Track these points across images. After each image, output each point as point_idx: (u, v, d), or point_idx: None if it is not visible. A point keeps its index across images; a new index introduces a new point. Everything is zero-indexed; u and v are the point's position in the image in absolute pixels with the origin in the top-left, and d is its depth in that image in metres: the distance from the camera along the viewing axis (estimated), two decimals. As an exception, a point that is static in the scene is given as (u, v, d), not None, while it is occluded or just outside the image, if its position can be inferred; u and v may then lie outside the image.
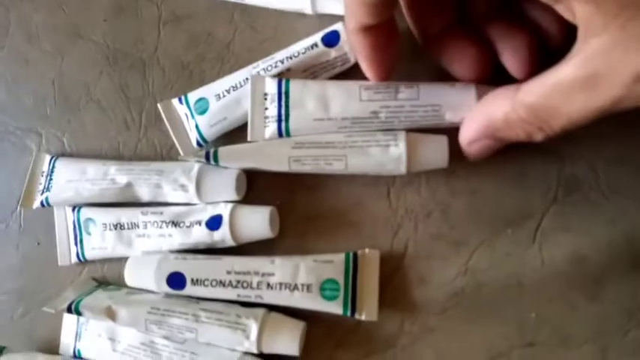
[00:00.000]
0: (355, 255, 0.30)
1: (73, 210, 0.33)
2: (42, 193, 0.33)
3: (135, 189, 0.32)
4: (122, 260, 0.32)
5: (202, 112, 0.31)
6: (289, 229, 0.31)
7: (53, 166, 0.34)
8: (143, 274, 0.31)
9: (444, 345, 0.29)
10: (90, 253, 0.33)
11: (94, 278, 0.34)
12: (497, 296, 0.29)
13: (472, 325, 0.29)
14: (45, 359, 0.32)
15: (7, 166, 0.36)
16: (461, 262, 0.30)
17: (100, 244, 0.33)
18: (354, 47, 0.27)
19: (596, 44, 0.19)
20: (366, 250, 0.30)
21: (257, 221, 0.30)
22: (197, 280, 0.30)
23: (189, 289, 0.30)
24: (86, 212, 0.33)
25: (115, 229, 0.32)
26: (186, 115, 0.32)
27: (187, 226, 0.30)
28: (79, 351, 0.33)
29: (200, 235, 0.30)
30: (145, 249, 0.31)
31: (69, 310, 0.31)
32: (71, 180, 0.33)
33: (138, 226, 0.31)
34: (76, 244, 0.34)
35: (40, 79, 0.36)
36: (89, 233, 0.33)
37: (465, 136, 0.26)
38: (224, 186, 0.30)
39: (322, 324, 0.30)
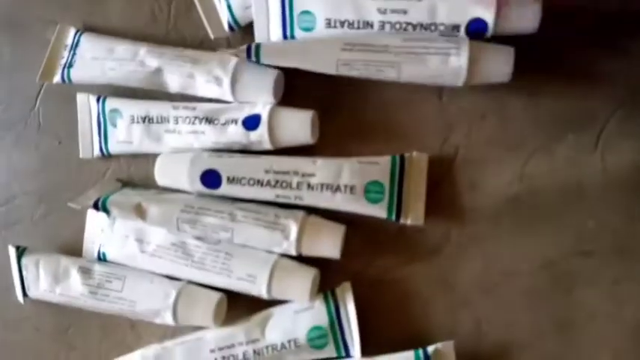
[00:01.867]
0: (402, 157, 0.28)
1: (98, 100, 0.32)
2: (64, 68, 0.31)
3: (164, 75, 0.30)
4: (150, 159, 0.31)
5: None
6: (331, 134, 0.30)
7: (78, 41, 0.32)
8: (175, 172, 0.29)
9: (492, 253, 0.29)
10: (115, 147, 0.32)
11: (119, 179, 0.33)
12: (554, 203, 0.28)
13: (525, 233, 0.28)
14: (67, 262, 0.32)
15: (26, 60, 0.34)
16: (516, 167, 0.28)
17: (126, 137, 0.31)
18: None
19: None
20: (414, 153, 0.29)
21: (297, 124, 0.28)
22: (233, 178, 0.28)
23: (225, 188, 0.28)
24: (112, 102, 0.31)
25: (143, 122, 0.30)
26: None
27: (222, 124, 0.29)
28: (104, 254, 0.32)
29: (235, 133, 0.29)
30: (175, 145, 0.30)
31: (95, 206, 0.30)
32: (97, 57, 0.31)
33: (168, 121, 0.30)
34: (99, 135, 0.32)
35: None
36: (115, 125, 0.31)
37: None
38: (261, 86, 0.29)
39: (363, 229, 0.29)
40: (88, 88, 0.32)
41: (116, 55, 0.30)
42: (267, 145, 0.29)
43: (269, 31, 0.29)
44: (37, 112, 0.34)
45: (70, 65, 0.31)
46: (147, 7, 0.32)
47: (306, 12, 0.27)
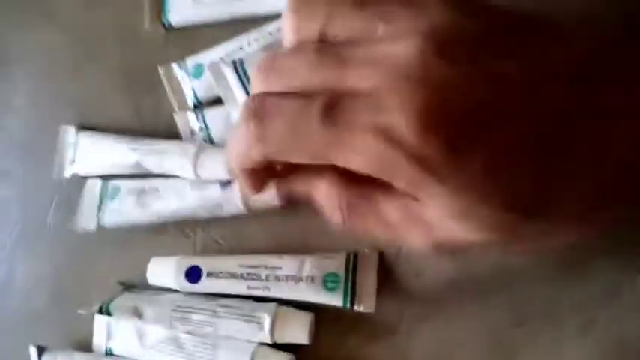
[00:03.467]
0: (356, 254, 0.34)
1: (102, 180, 0.39)
2: (71, 164, 0.39)
3: (144, 165, 0.37)
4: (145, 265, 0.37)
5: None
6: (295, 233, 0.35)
7: (78, 139, 0.40)
8: (164, 270, 0.36)
9: (442, 329, 0.33)
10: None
11: (120, 282, 0.38)
12: (488, 280, 0.33)
13: (467, 309, 0.33)
14: (81, 357, 0.37)
15: (37, 182, 0.40)
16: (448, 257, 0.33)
17: (118, 207, 0.38)
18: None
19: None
20: (366, 250, 0.34)
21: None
22: (212, 272, 0.34)
23: (205, 282, 0.34)
24: (113, 182, 0.38)
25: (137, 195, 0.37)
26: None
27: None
28: (110, 349, 0.37)
29: (214, 192, 0.35)
30: (160, 212, 0.37)
31: (100, 311, 0.35)
32: (93, 152, 0.39)
33: (158, 190, 0.37)
34: (98, 210, 0.38)
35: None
36: (112, 199, 0.38)
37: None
38: (219, 165, 0.35)
39: (329, 315, 0.34)
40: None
41: (106, 150, 0.38)
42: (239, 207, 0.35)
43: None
44: (49, 226, 0.40)
45: (74, 161, 0.39)
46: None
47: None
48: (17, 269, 0.40)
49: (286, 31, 0.23)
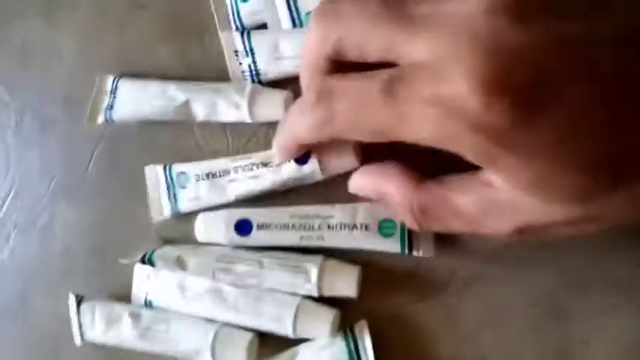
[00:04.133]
0: None
1: (164, 168, 0.37)
2: (106, 110, 0.38)
3: (192, 107, 0.36)
4: (189, 220, 0.36)
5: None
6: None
7: (117, 86, 0.38)
8: (213, 225, 0.35)
9: (494, 290, 0.32)
10: (185, 205, 0.36)
11: (161, 237, 0.38)
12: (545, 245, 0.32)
13: (522, 270, 0.32)
14: (120, 307, 0.37)
15: (78, 131, 0.40)
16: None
17: (193, 194, 0.36)
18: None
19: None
20: None
21: (342, 152, 0.32)
22: (263, 224, 0.33)
23: (256, 234, 0.33)
24: (177, 167, 0.37)
25: (207, 178, 0.36)
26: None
27: (277, 165, 0.34)
28: (150, 301, 0.37)
29: (290, 171, 0.33)
30: (239, 193, 0.35)
31: (142, 261, 0.35)
32: (133, 97, 0.37)
33: (229, 173, 0.35)
34: (169, 198, 0.37)
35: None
36: (184, 187, 0.36)
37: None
38: (273, 105, 0.34)
39: (377, 270, 0.34)
40: (130, 130, 0.38)
41: (149, 93, 0.37)
42: (319, 176, 0.33)
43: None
44: (90, 176, 0.40)
45: (112, 107, 0.38)
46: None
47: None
48: (57, 217, 0.40)
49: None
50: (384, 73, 0.21)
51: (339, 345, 0.32)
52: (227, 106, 0.35)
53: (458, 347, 0.33)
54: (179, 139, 0.38)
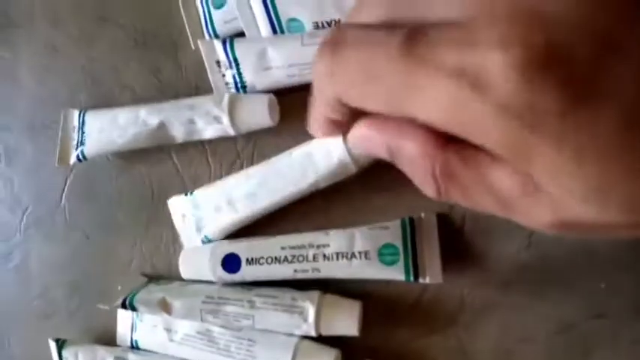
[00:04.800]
0: (411, 219, 0.30)
1: (186, 194, 0.34)
2: (76, 148, 0.35)
3: (168, 129, 0.33)
4: (171, 253, 0.34)
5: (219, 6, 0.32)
6: (339, 209, 0.32)
7: (83, 120, 0.35)
8: (198, 262, 0.32)
9: (506, 320, 0.30)
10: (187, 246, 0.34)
11: (143, 274, 0.35)
12: (564, 267, 0.29)
13: (538, 299, 0.29)
14: (104, 351, 0.34)
15: (48, 162, 0.37)
16: (523, 235, 0.30)
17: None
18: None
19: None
20: (422, 214, 0.30)
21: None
22: (252, 259, 0.31)
23: (245, 270, 0.31)
24: (199, 195, 0.33)
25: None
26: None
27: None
28: (136, 342, 0.34)
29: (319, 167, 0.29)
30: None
31: (123, 305, 0.32)
32: (103, 129, 0.34)
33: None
34: (196, 229, 0.33)
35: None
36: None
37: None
38: (257, 112, 0.31)
39: (380, 303, 0.31)
40: (102, 160, 0.36)
41: (119, 122, 0.34)
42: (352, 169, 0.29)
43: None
44: (63, 208, 0.37)
45: (82, 143, 0.34)
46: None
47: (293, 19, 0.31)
48: (32, 254, 0.37)
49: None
50: (406, 27, 0.17)
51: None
52: (206, 122, 0.32)
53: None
54: (156, 164, 0.35)
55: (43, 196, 0.37)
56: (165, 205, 0.34)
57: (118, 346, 0.35)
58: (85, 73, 0.37)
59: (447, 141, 0.19)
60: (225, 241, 0.32)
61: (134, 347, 0.35)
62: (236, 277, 0.31)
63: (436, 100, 0.16)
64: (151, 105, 0.33)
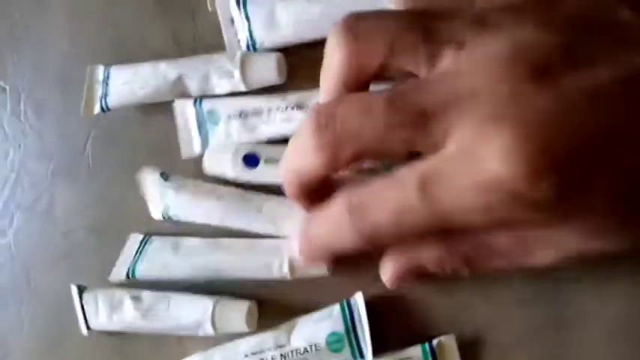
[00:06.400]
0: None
1: (195, 102, 0.37)
2: (101, 99, 0.39)
3: (185, 82, 0.36)
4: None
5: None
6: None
7: (108, 74, 0.39)
8: (220, 158, 0.36)
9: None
10: (215, 143, 0.37)
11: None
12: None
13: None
14: (122, 293, 0.38)
15: (74, 116, 0.41)
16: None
17: (224, 133, 0.36)
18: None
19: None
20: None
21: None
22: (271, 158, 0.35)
23: (262, 168, 0.34)
24: (208, 104, 0.37)
25: (240, 117, 0.36)
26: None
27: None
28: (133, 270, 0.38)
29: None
30: (269, 135, 0.36)
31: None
32: (126, 82, 0.38)
33: (262, 113, 0.36)
34: (200, 134, 0.37)
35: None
36: (215, 124, 0.37)
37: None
38: (266, 69, 0.35)
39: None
40: (124, 110, 0.39)
41: (141, 76, 0.37)
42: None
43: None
44: (87, 157, 0.41)
45: (106, 95, 0.38)
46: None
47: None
48: (57, 200, 0.41)
49: (338, 68, 0.22)
50: (411, 176, 0.19)
51: (336, 317, 0.33)
52: (220, 77, 0.36)
53: (453, 317, 0.33)
54: (173, 119, 0.39)
55: (69, 146, 0.41)
56: (179, 154, 0.38)
57: (132, 286, 0.38)
58: (109, 34, 0.41)
59: (449, 234, 0.23)
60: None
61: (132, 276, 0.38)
62: (255, 171, 0.35)
63: (469, 216, 0.19)
64: (170, 60, 0.37)
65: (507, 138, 0.17)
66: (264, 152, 0.35)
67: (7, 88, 0.43)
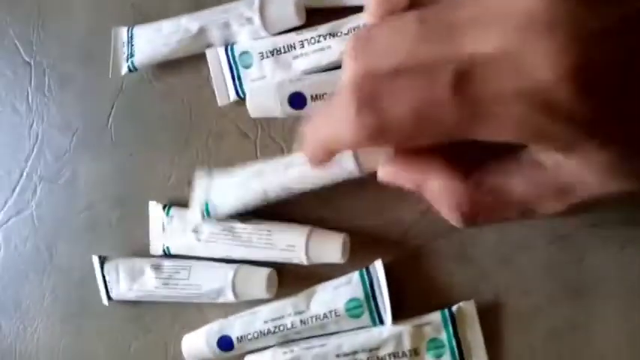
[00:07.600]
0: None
1: (226, 49, 0.38)
2: (127, 60, 0.39)
3: (207, 34, 0.37)
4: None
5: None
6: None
7: (132, 34, 0.40)
8: (264, 100, 0.36)
9: (507, 227, 0.33)
10: (251, 85, 0.37)
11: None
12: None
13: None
14: (142, 262, 0.39)
15: (97, 88, 0.42)
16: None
17: (258, 74, 0.37)
18: None
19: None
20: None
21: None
22: (317, 95, 0.34)
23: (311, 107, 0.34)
24: (240, 46, 0.37)
25: (272, 55, 0.36)
26: None
27: (345, 34, 0.34)
28: (168, 248, 0.39)
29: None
30: (305, 68, 0.36)
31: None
32: (149, 40, 0.39)
33: (294, 47, 0.36)
34: (233, 80, 0.38)
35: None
36: (247, 67, 0.37)
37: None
38: (285, 10, 0.35)
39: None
40: (146, 87, 0.40)
41: (164, 32, 0.38)
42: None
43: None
44: (110, 129, 0.42)
45: (132, 55, 0.39)
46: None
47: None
48: (80, 171, 0.42)
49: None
50: (446, 69, 0.19)
51: (356, 283, 0.34)
52: (240, 24, 0.36)
53: (472, 283, 0.34)
54: (195, 91, 0.40)
55: (92, 119, 0.42)
56: (201, 125, 0.39)
57: (152, 256, 0.40)
58: (131, 4, 0.41)
59: (466, 174, 0.23)
60: (289, 81, 0.35)
61: (167, 254, 0.39)
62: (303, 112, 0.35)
63: (503, 125, 0.18)
64: (191, 14, 0.38)
65: (558, 48, 0.17)
66: (308, 90, 0.34)
67: (32, 62, 0.44)
